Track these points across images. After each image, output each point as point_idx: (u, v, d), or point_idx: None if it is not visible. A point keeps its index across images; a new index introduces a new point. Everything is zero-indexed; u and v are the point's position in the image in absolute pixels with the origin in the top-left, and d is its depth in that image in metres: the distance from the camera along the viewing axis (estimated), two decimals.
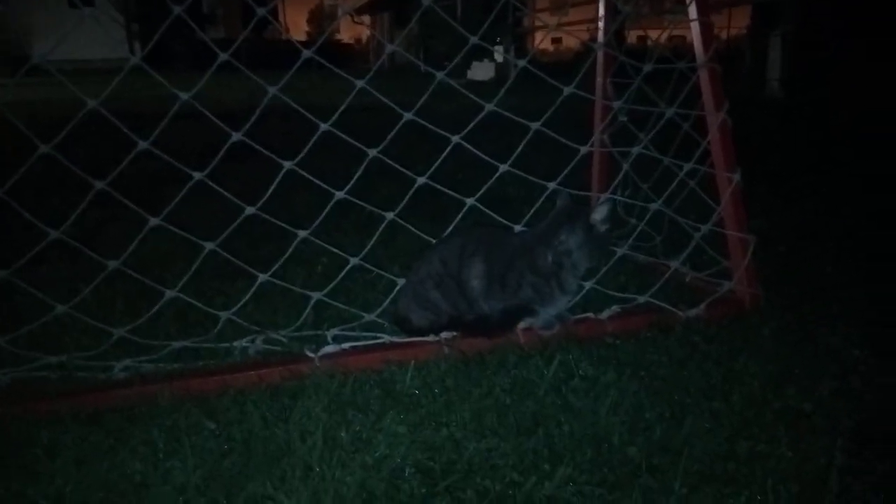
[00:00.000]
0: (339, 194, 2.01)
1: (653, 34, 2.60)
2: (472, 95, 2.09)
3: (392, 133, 1.98)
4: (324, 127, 1.98)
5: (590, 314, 2.03)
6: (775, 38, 8.98)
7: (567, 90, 2.16)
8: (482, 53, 12.91)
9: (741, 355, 1.82)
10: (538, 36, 15.70)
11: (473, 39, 2.25)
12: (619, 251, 2.27)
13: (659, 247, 2.53)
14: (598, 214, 1.89)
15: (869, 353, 1.80)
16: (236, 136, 1.90)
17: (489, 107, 2.10)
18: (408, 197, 2.05)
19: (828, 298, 2.20)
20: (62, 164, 1.65)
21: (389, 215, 2.07)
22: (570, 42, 17.32)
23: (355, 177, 2.01)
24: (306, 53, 1.94)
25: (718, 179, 2.25)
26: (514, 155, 2.11)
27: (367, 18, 20.82)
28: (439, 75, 2.08)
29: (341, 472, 1.34)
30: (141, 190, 2.04)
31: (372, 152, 2.03)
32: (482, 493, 1.30)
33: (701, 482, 1.32)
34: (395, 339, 1.89)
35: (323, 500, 1.28)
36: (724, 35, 13.96)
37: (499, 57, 13.73)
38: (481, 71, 13.11)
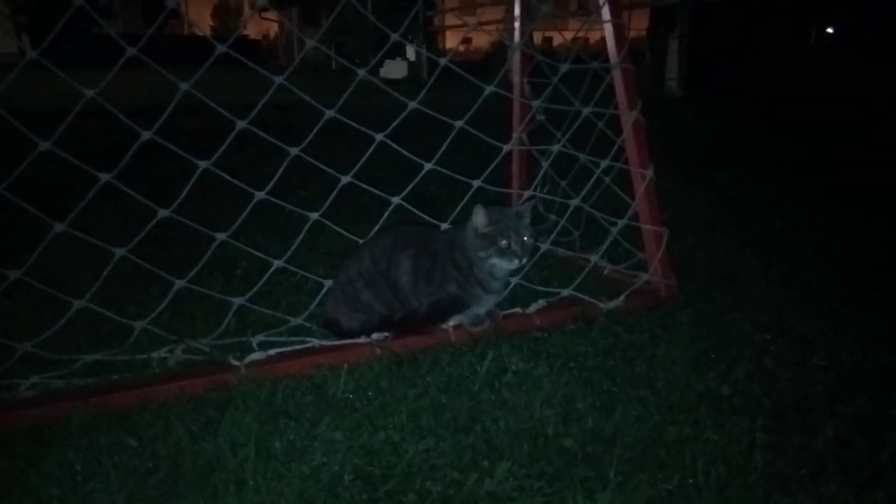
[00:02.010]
0: (260, 195, 1.95)
1: (567, 35, 2.68)
2: (395, 94, 2.07)
3: (314, 131, 1.93)
4: (241, 124, 1.90)
5: (517, 309, 2.06)
6: (673, 40, 9.44)
7: (489, 89, 2.17)
8: (395, 52, 12.86)
9: (661, 343, 1.89)
10: (449, 36, 15.82)
11: (395, 37, 2.23)
12: (542, 247, 2.31)
13: (577, 241, 2.61)
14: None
15: (777, 335, 1.92)
16: (147, 135, 1.80)
17: (412, 105, 2.08)
18: (332, 196, 2.01)
19: (736, 285, 2.33)
20: None
21: (314, 216, 2.02)
22: (480, 42, 17.54)
23: (276, 177, 1.95)
24: (220, 49, 1.86)
25: (633, 175, 2.33)
26: (439, 153, 2.10)
27: (273, 14, 20.30)
28: (361, 72, 2.04)
29: (277, 483, 1.30)
30: (41, 194, 1.90)
31: (294, 151, 1.97)
32: (424, 496, 1.29)
33: (634, 469, 1.36)
34: (325, 343, 1.85)
35: None
36: None
37: (411, 55, 13.73)
38: (395, 69, 13.06)
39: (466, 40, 22.00)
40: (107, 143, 2.81)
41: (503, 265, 1.87)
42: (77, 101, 1.66)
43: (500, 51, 13.40)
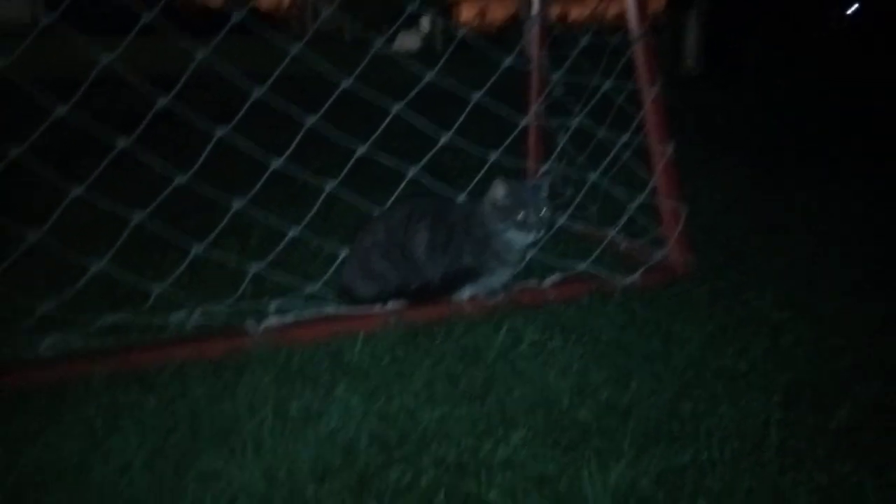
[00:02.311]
0: (277, 163, 1.95)
1: (584, 9, 2.64)
2: (415, 63, 2.05)
3: (329, 102, 1.92)
4: (258, 93, 1.90)
5: (533, 281, 2.06)
6: (691, 17, 9.29)
7: (507, 61, 2.15)
8: (409, 23, 12.73)
9: (677, 319, 1.89)
10: (464, 8, 15.63)
11: (411, 7, 2.21)
12: (558, 221, 2.30)
13: (594, 215, 2.59)
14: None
15: (795, 314, 1.91)
16: (163, 102, 1.80)
17: (430, 75, 2.07)
18: (348, 167, 2.00)
19: (753, 264, 2.31)
20: None
21: (330, 185, 2.02)
22: (495, 15, 17.34)
23: (292, 145, 1.94)
24: (236, 17, 1.85)
25: (652, 150, 2.31)
26: (456, 125, 2.09)
27: None
28: (377, 43, 2.03)
29: (294, 444, 1.31)
30: (57, 161, 1.90)
31: (310, 120, 1.97)
32: (439, 461, 1.30)
33: (648, 442, 1.36)
34: (341, 311, 1.86)
35: (277, 474, 1.24)
36: None
37: (425, 27, 13.58)
38: (408, 41, 12.93)
39: (481, 13, 21.76)
40: (117, 112, 2.81)
41: (520, 238, 1.86)
42: (88, 68, 1.65)
43: (514, 24, 13.25)
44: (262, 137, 1.89)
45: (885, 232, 2.72)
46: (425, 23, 13.41)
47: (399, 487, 1.22)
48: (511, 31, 11.85)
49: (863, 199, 3.19)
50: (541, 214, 1.85)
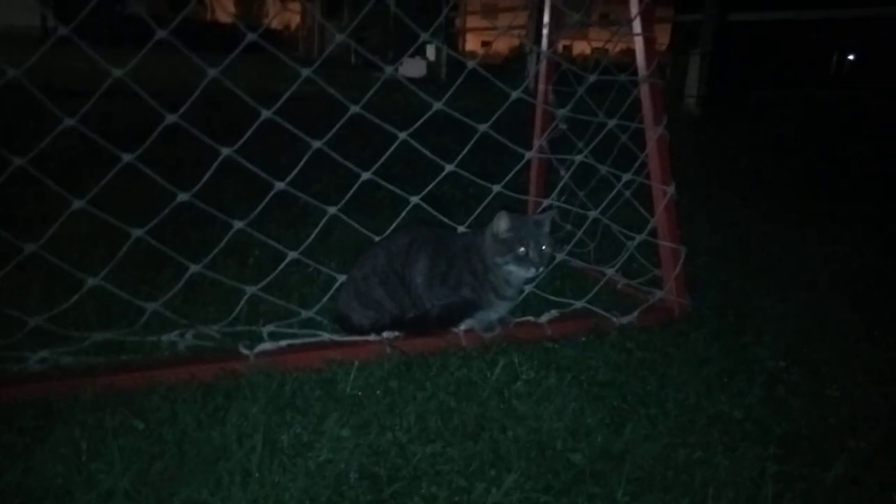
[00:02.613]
0: (280, 185, 1.94)
1: (592, 44, 2.66)
2: (420, 92, 2.05)
3: (337, 126, 1.92)
4: (266, 114, 1.90)
5: (529, 318, 2.05)
6: (694, 57, 9.40)
7: (515, 94, 2.16)
8: (415, 51, 12.86)
9: (674, 362, 1.88)
10: (469, 38, 15.81)
11: (424, 36, 2.22)
12: (557, 257, 2.30)
13: (591, 253, 2.59)
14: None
15: (791, 362, 1.90)
16: (172, 118, 1.80)
17: (438, 105, 2.07)
18: (352, 192, 2.00)
19: (751, 308, 2.30)
20: None
21: (332, 209, 2.01)
22: (499, 46, 17.54)
23: (297, 168, 1.94)
24: (250, 37, 1.85)
25: (654, 191, 2.31)
26: (461, 155, 2.09)
27: (296, 5, 20.32)
28: (388, 69, 2.04)
29: (283, 476, 1.29)
30: (58, 172, 1.89)
31: (316, 144, 1.96)
32: (429, 500, 1.27)
33: (642, 489, 1.34)
34: (336, 338, 1.84)
35: None
36: None
37: (431, 55, 13.71)
38: (413, 68, 13.04)
39: (486, 44, 22.01)
40: (121, 125, 2.80)
41: (519, 272, 1.85)
42: (97, 80, 1.65)
43: (518, 56, 13.38)
44: (262, 156, 1.89)
45: (889, 278, 2.72)
46: (431, 51, 13.53)
47: None
48: (515, 62, 11.92)
49: (866, 243, 3.19)
50: (542, 249, 1.84)
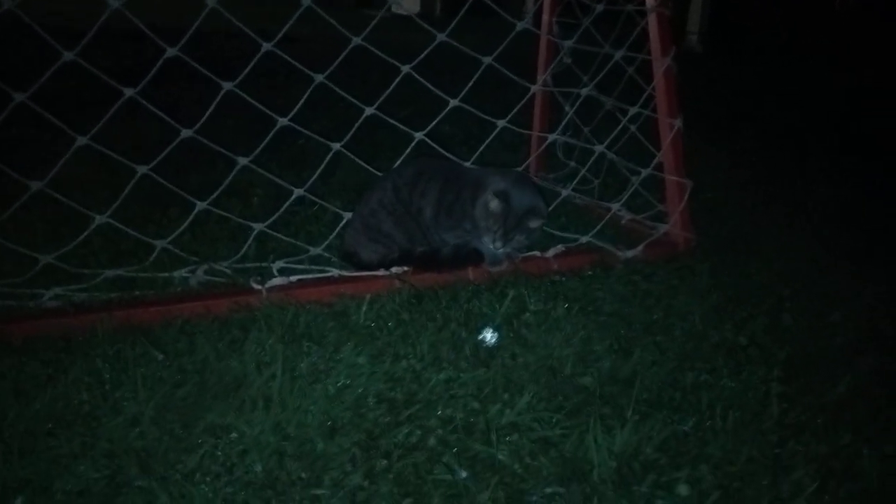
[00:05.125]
0: (283, 120, 1.93)
1: None
2: (426, 25, 2.02)
3: (336, 63, 1.90)
4: (266, 46, 1.87)
5: (536, 252, 2.06)
6: None
7: (520, 26, 2.12)
8: None
9: (679, 293, 1.90)
10: None
11: None
12: (562, 192, 2.30)
13: (596, 188, 2.59)
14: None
15: (796, 289, 1.93)
16: (172, 52, 1.77)
17: (441, 37, 2.04)
18: (355, 128, 1.99)
19: (755, 241, 2.32)
20: None
21: (336, 145, 2.00)
22: None
23: (298, 104, 1.92)
24: None
25: (660, 125, 2.30)
26: (465, 90, 2.07)
27: None
28: (388, 5, 2.00)
29: (303, 401, 1.32)
30: (61, 109, 1.87)
31: (318, 77, 1.94)
32: (446, 422, 1.31)
33: (651, 409, 1.38)
34: (345, 273, 1.86)
35: (286, 429, 1.26)
36: None
37: None
38: (407, 3, 12.70)
39: None
40: (114, 63, 2.75)
41: (486, 243, 1.91)
42: (90, 19, 1.61)
43: None
44: (258, 98, 1.87)
45: (891, 211, 2.73)
46: None
47: (408, 446, 1.24)
48: None
49: (869, 175, 3.18)
50: (513, 240, 1.89)
